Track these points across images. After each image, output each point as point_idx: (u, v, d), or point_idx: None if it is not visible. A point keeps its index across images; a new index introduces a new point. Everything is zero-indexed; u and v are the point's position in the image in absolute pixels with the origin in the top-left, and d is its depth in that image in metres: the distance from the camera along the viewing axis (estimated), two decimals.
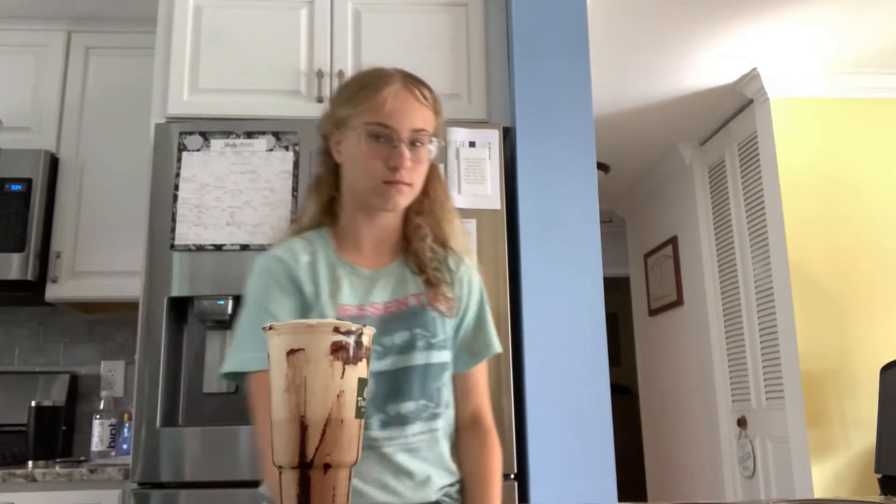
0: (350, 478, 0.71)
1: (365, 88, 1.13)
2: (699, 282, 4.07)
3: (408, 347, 1.12)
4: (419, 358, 1.12)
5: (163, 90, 2.18)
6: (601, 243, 2.10)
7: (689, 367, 4.23)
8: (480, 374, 1.22)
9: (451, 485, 1.17)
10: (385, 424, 1.10)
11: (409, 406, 1.11)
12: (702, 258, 4.03)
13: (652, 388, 4.85)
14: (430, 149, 1.15)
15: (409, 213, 1.20)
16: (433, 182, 1.20)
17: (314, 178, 1.22)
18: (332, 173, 1.18)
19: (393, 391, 1.11)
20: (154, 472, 1.88)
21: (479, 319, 1.22)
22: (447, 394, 1.17)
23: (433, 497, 1.13)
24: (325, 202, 1.20)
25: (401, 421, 1.11)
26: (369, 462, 1.08)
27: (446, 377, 1.16)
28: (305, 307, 1.12)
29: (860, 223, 3.22)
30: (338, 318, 1.03)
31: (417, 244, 1.17)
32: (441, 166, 1.23)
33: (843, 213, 3.22)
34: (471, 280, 1.22)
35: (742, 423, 3.65)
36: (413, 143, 1.12)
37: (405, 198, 1.14)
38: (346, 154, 1.14)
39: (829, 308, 3.12)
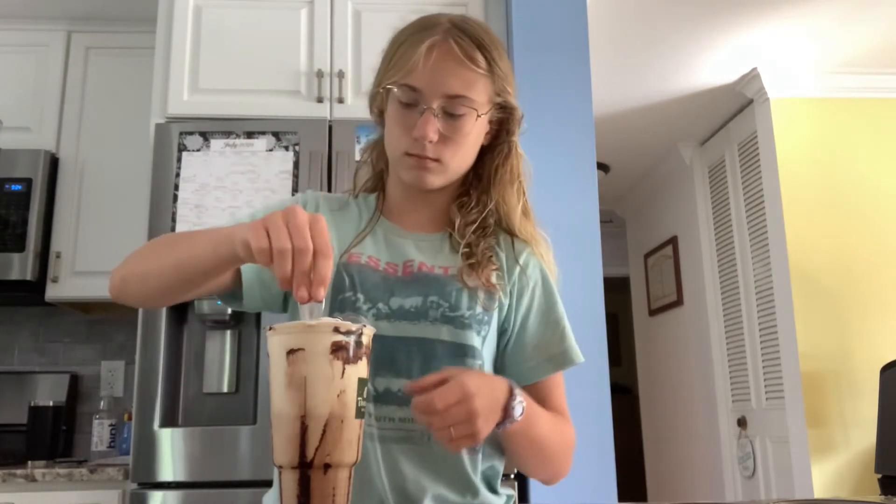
0: (350, 478, 0.70)
1: (403, 44, 0.94)
2: (699, 282, 4.06)
3: (416, 315, 0.93)
4: (430, 331, 0.92)
5: (163, 90, 2.18)
6: (601, 243, 2.10)
7: (689, 367, 4.23)
8: (557, 386, 1.01)
9: None
10: (370, 398, 0.89)
11: (402, 383, 0.89)
12: (702, 258, 4.03)
13: (652, 388, 4.84)
14: (471, 119, 0.94)
15: (462, 191, 1.03)
16: (496, 158, 1.01)
17: (369, 144, 1.06)
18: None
19: (385, 361, 0.90)
20: (154, 472, 1.88)
21: (550, 317, 1.01)
22: None
23: None
24: (378, 171, 1.06)
25: (388, 400, 0.90)
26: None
27: (473, 366, 0.93)
28: None
29: (860, 223, 3.21)
30: (346, 265, 0.94)
31: (461, 225, 0.99)
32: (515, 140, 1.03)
33: (844, 214, 3.22)
34: (531, 266, 1.02)
35: (742, 423, 3.64)
36: (449, 113, 0.93)
37: (435, 176, 0.95)
38: (386, 120, 0.98)
39: (829, 308, 3.12)
